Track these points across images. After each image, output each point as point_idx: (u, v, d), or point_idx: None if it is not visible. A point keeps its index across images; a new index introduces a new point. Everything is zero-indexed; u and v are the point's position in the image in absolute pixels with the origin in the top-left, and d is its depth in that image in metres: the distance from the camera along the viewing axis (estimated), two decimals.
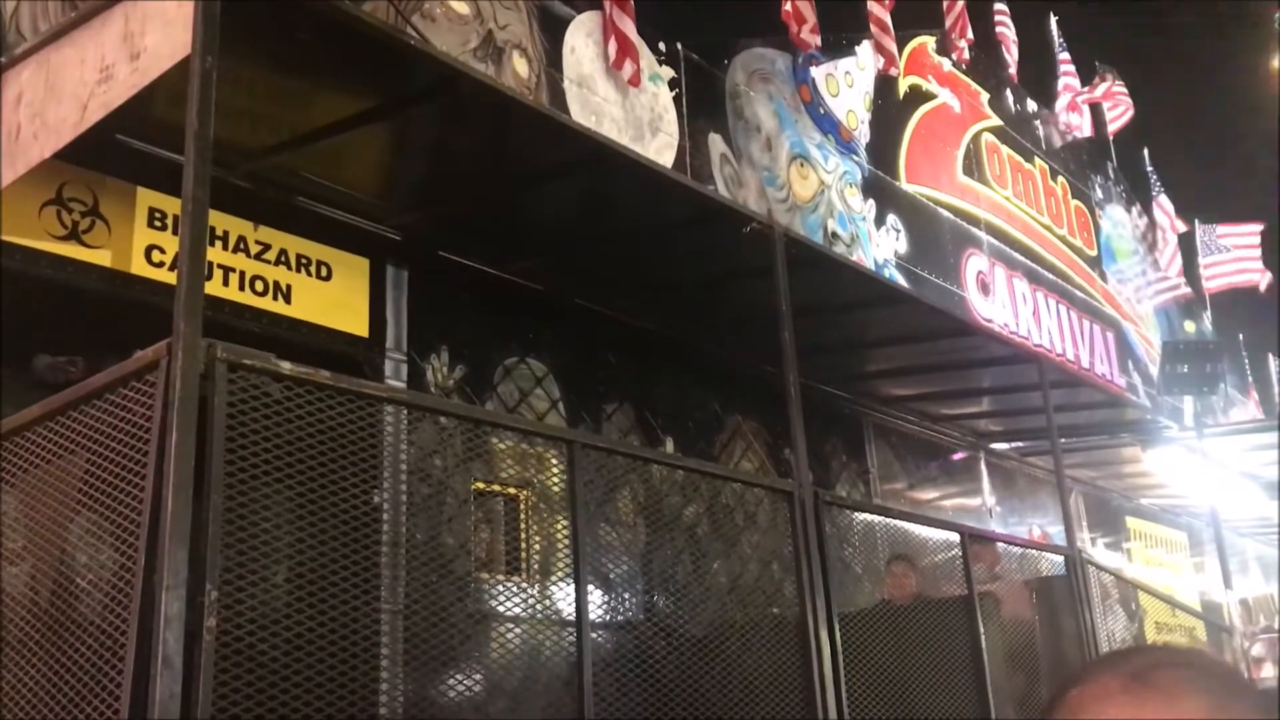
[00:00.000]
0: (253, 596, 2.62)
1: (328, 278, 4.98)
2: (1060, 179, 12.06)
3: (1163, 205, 14.80)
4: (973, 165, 10.04)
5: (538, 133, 4.48)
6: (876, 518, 4.99)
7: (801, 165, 6.71)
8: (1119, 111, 13.95)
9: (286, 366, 2.83)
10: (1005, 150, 10.84)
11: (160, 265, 4.35)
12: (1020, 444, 9.81)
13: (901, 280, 7.18)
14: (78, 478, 2.83)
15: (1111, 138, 13.91)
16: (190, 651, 2.44)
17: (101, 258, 4.22)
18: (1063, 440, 7.34)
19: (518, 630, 3.33)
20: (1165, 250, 14.49)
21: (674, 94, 6.25)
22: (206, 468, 2.57)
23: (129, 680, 2.45)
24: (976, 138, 10.30)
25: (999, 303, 9.21)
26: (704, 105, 6.17)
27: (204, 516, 2.53)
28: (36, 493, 2.99)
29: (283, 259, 4.81)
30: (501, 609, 3.38)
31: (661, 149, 5.06)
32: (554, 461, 3.69)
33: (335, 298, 4.99)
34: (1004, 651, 5.17)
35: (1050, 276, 10.77)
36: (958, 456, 9.42)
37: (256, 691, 2.56)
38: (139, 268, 4.31)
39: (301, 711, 2.64)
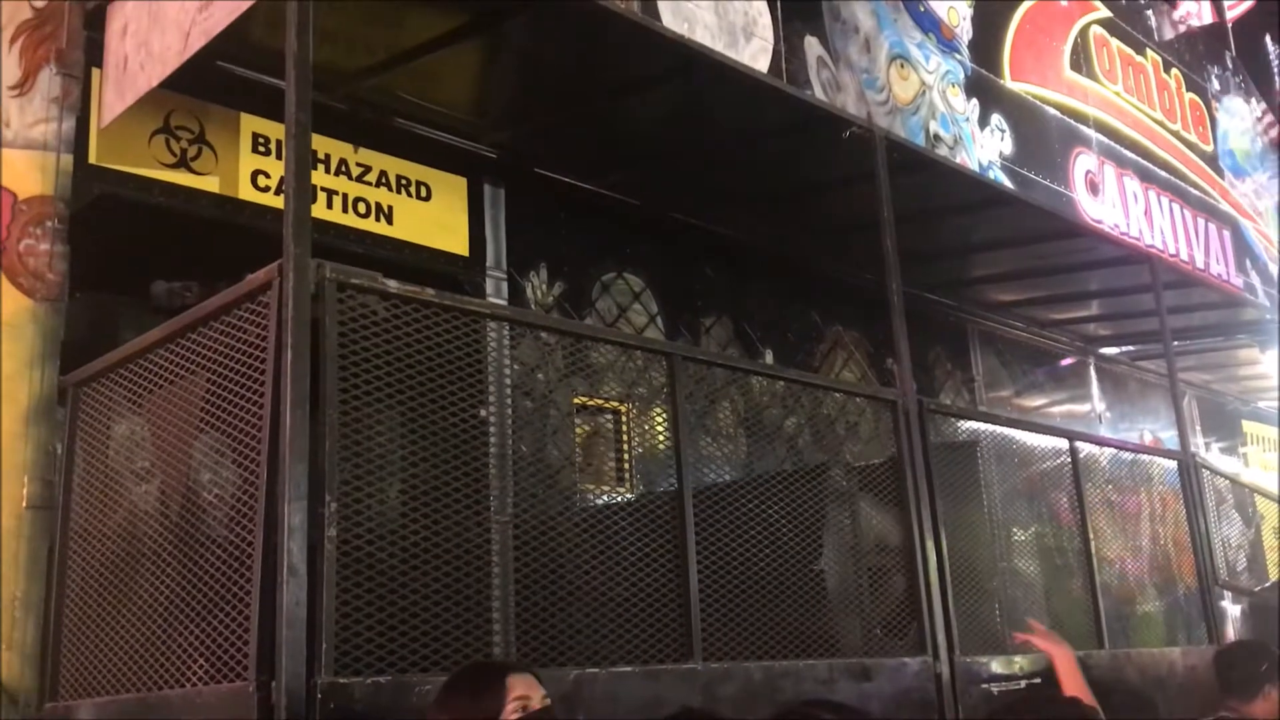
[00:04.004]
0: (369, 508, 2.71)
1: (427, 198, 5.03)
2: (1174, 71, 11.51)
3: None
4: (1080, 60, 9.63)
5: (630, 42, 4.42)
6: (982, 425, 4.92)
7: (902, 66, 6.52)
8: None
9: (393, 285, 2.88)
10: (1115, 43, 10.36)
11: (266, 190, 4.44)
12: (1131, 348, 9.53)
13: (1007, 182, 6.96)
14: (199, 397, 2.95)
15: (1230, 25, 13.18)
16: (313, 561, 2.54)
17: (210, 184, 4.32)
18: (1176, 343, 7.11)
19: (623, 539, 3.38)
20: None
21: None
22: (321, 385, 2.65)
23: (257, 588, 2.57)
24: (1084, 31, 9.85)
25: (1109, 202, 8.89)
26: (799, 7, 6.01)
27: (320, 431, 2.62)
28: (161, 412, 3.13)
29: (383, 180, 4.87)
30: (606, 519, 3.43)
31: (756, 54, 4.94)
32: (654, 375, 3.71)
33: (435, 217, 5.04)
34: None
35: (1163, 174, 10.34)
36: (1066, 362, 9.21)
37: (377, 598, 2.66)
38: (246, 193, 4.41)
39: (419, 615, 2.74)
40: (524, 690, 2.37)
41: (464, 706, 2.34)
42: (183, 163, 4.26)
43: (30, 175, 3.88)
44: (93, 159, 4.03)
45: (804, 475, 4.02)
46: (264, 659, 2.49)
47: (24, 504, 3.61)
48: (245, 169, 4.42)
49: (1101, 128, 9.46)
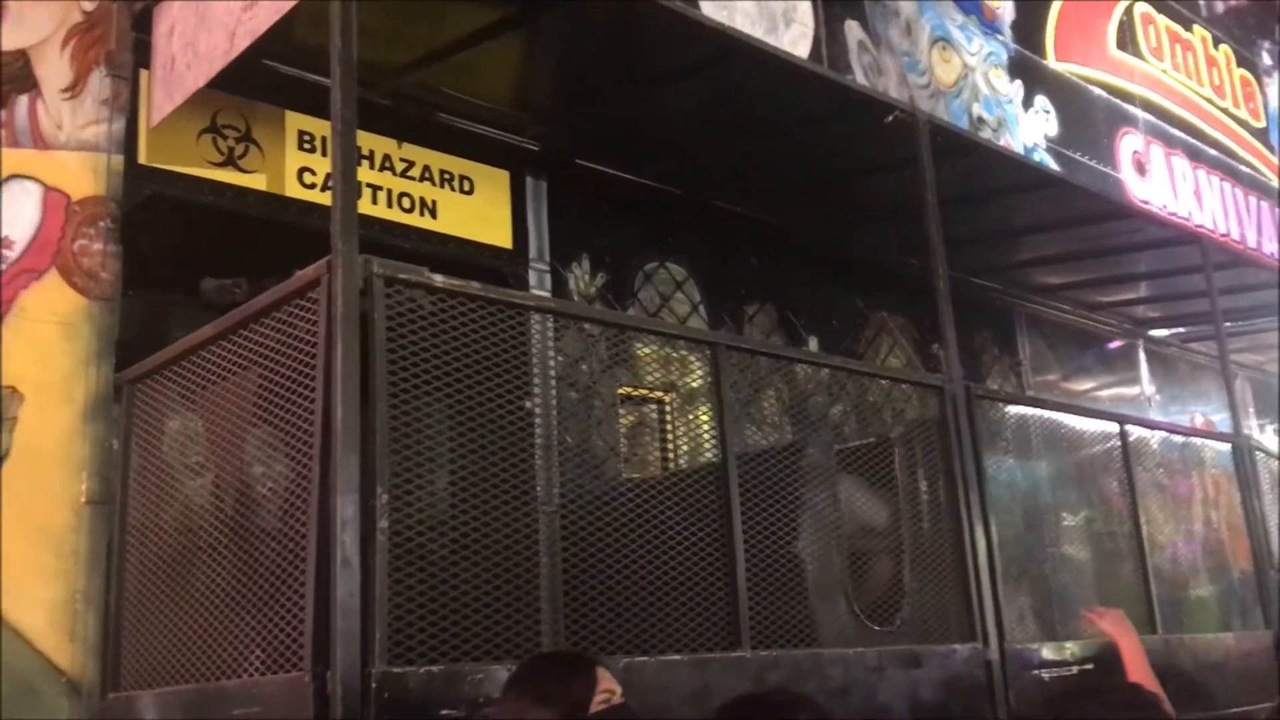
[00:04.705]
0: (419, 499, 2.74)
1: (470, 192, 5.06)
2: (1223, 47, 11.29)
3: None
4: (1126, 38, 9.48)
5: (670, 32, 4.42)
6: (1030, 410, 4.88)
7: (943, 49, 6.46)
8: None
9: (439, 279, 2.91)
10: (1161, 20, 10.19)
11: (312, 187, 4.49)
12: (1181, 329, 9.40)
13: (1052, 164, 6.88)
14: (252, 392, 2.99)
15: None
16: (365, 552, 2.58)
17: (257, 182, 4.37)
18: (1227, 324, 7.01)
19: (669, 528, 3.40)
20: None
21: None
22: (371, 379, 2.69)
23: (311, 580, 2.61)
24: (1129, 9, 9.69)
25: (1156, 182, 8.77)
26: None
27: (371, 425, 2.65)
28: (214, 408, 3.18)
29: (427, 175, 4.90)
30: (652, 508, 3.44)
31: (796, 40, 4.92)
32: (698, 364, 3.72)
33: (478, 211, 5.07)
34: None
35: (1212, 152, 10.16)
36: (1114, 345, 9.10)
37: (429, 588, 2.70)
38: (292, 190, 4.46)
39: (470, 605, 2.77)
40: (610, 684, 2.38)
41: (553, 690, 2.31)
42: (230, 161, 4.32)
43: (83, 176, 3.95)
44: (142, 159, 4.10)
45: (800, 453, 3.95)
46: (319, 649, 2.53)
47: (83, 499, 3.69)
48: (291, 166, 4.47)
49: (1148, 106, 9.32)
